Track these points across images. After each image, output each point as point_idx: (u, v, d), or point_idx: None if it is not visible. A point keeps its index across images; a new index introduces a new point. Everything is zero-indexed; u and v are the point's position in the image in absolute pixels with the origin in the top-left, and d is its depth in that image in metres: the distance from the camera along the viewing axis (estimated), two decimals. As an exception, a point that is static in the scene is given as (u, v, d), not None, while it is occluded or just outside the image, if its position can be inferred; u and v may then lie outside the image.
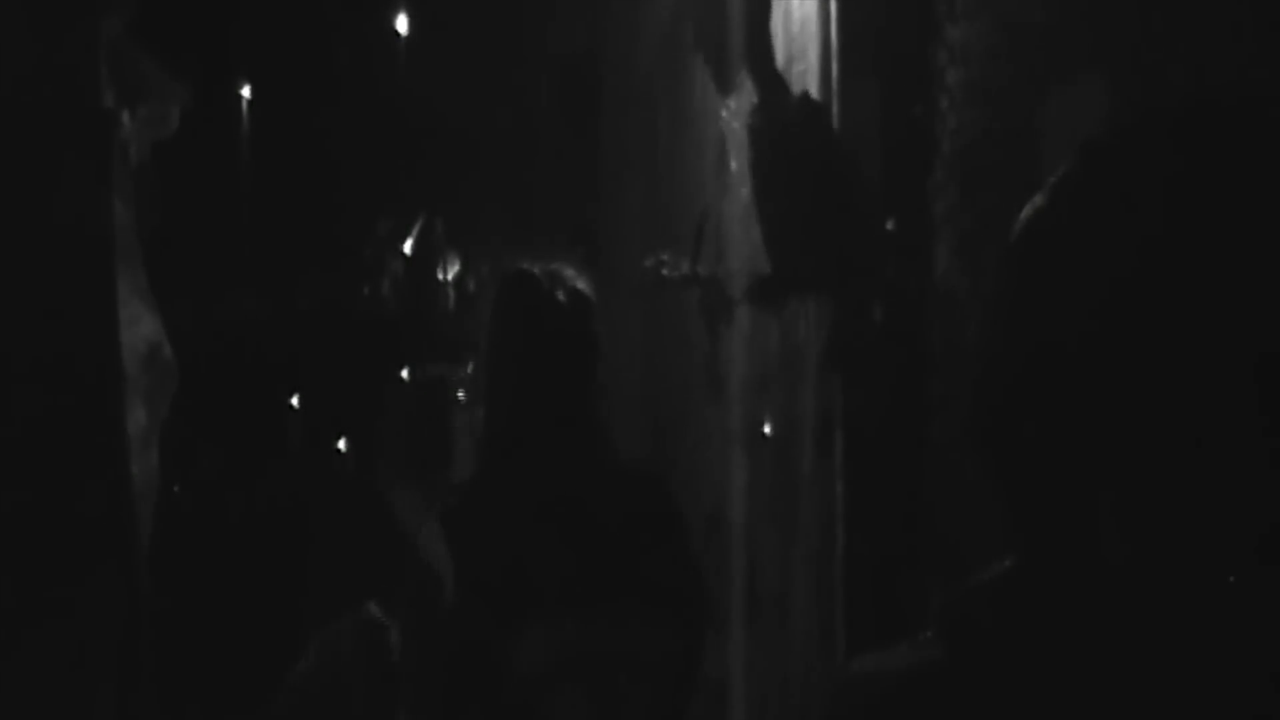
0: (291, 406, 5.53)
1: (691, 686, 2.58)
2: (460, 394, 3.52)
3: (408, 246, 5.78)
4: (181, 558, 4.25)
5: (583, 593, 2.46)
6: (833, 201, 2.76)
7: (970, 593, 0.99)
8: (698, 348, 3.13)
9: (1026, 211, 0.96)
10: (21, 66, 2.27)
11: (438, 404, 3.54)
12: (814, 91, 2.78)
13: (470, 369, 3.50)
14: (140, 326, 2.51)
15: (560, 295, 2.55)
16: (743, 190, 2.93)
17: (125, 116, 2.53)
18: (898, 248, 2.75)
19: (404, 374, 4.26)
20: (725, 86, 2.95)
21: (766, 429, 3.00)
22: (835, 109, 2.80)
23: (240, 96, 10.46)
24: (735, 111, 2.93)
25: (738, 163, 2.95)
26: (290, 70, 9.66)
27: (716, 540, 3.10)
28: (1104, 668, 0.90)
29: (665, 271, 3.05)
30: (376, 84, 9.85)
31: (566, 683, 2.44)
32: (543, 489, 2.51)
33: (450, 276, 6.61)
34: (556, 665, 2.44)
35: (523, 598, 2.44)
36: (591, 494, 2.52)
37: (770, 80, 2.75)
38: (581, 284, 2.59)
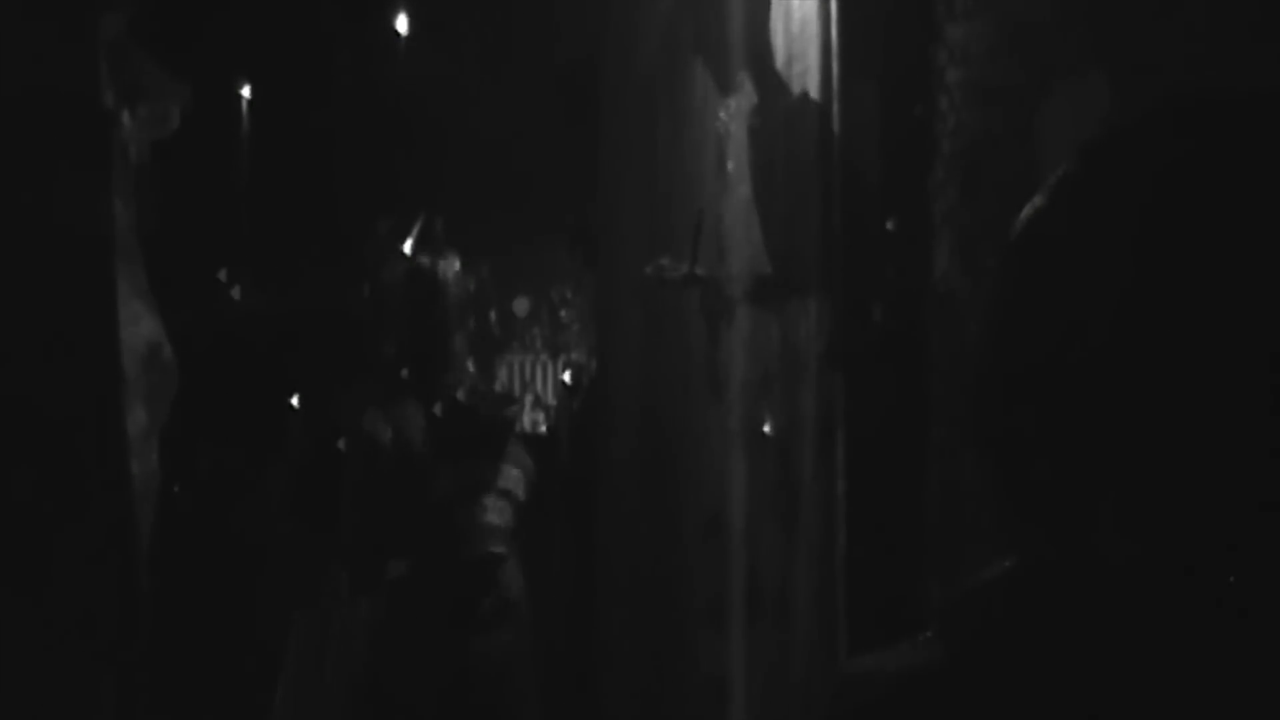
0: (291, 406, 5.52)
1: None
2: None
3: (408, 246, 5.78)
4: (181, 557, 4.26)
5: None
6: (832, 202, 2.76)
7: (970, 593, 0.99)
8: (698, 348, 3.12)
9: (1026, 211, 0.96)
10: (21, 66, 2.27)
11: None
12: (814, 91, 2.78)
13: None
14: (140, 326, 2.51)
15: None
16: (742, 190, 2.92)
17: (125, 116, 2.53)
18: (898, 248, 2.75)
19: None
20: (725, 87, 2.95)
21: (767, 429, 3.00)
22: (835, 109, 2.80)
23: (240, 96, 10.47)
24: (734, 112, 2.93)
25: (736, 163, 2.94)
26: (290, 70, 9.66)
27: (717, 540, 3.10)
28: (1104, 668, 0.90)
29: (666, 274, 3.05)
30: (376, 84, 9.85)
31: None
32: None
33: (450, 276, 6.62)
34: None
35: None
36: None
37: (770, 80, 2.75)
38: None
